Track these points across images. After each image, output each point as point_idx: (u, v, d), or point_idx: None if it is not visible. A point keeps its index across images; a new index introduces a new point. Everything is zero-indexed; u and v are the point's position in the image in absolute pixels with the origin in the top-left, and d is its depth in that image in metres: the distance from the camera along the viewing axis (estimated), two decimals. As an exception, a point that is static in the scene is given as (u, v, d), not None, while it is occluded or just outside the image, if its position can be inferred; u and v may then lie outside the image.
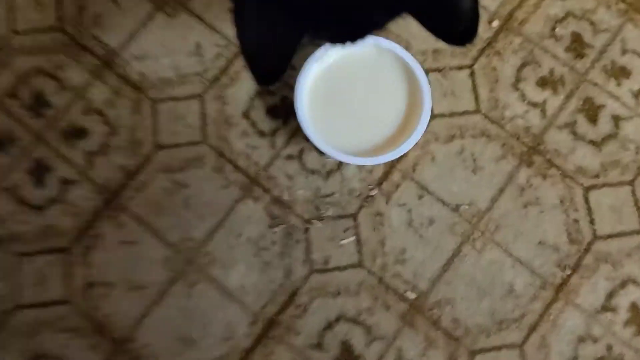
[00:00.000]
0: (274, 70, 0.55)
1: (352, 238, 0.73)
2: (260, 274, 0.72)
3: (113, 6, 0.79)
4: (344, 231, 0.74)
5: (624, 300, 0.73)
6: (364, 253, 0.73)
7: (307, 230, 0.73)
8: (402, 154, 0.70)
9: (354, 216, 0.74)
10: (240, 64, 0.77)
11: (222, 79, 0.77)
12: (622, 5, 0.80)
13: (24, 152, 0.74)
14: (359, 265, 0.73)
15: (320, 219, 0.74)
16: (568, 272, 0.73)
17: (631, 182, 0.75)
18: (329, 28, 0.55)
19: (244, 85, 0.77)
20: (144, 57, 0.78)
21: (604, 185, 0.75)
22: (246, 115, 0.76)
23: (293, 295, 0.72)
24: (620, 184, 0.75)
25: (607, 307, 0.72)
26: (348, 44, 0.57)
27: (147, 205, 0.74)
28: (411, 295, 0.72)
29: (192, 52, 0.78)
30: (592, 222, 0.74)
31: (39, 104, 0.76)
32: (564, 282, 0.72)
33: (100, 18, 0.79)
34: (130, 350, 0.70)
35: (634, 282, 0.73)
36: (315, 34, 0.57)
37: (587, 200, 0.75)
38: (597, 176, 0.75)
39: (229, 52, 0.78)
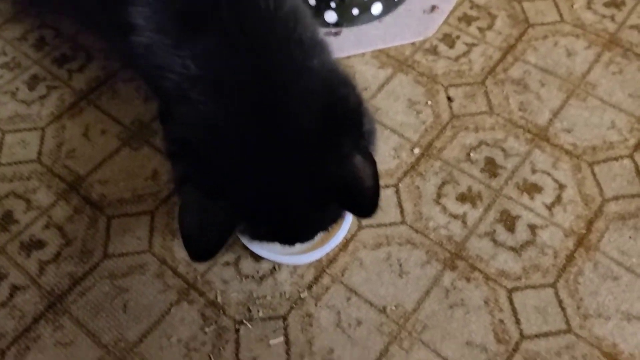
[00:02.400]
0: (208, 251, 0.62)
1: (281, 338, 0.75)
2: (188, 374, 0.72)
3: (86, 142, 0.92)
4: (274, 331, 0.75)
5: (562, 406, 0.70)
6: (292, 353, 0.73)
7: (237, 331, 0.75)
8: (327, 251, 0.76)
9: (283, 317, 0.76)
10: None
11: (172, 199, 0.86)
12: (528, 135, 0.91)
13: (-17, 262, 0.81)
14: (287, 365, 0.73)
15: (251, 320, 0.76)
16: (497, 371, 0.72)
17: (553, 285, 0.77)
18: (268, 227, 0.66)
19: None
20: (107, 182, 0.88)
21: (526, 287, 0.77)
22: (190, 227, 0.83)
23: (219, 396, 0.71)
24: (543, 286, 0.77)
25: (545, 412, 0.70)
26: (297, 245, 0.70)
27: (87, 308, 0.77)
28: (339, 398, 0.71)
29: (149, 176, 0.89)
30: (518, 322, 0.75)
31: (7, 221, 0.85)
32: (494, 382, 0.71)
33: (74, 152, 0.92)
34: None
35: (567, 382, 0.71)
36: (256, 234, 0.68)
37: (511, 302, 0.76)
38: (519, 278, 0.78)
39: (182, 176, 0.88)
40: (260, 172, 0.61)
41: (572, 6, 1.06)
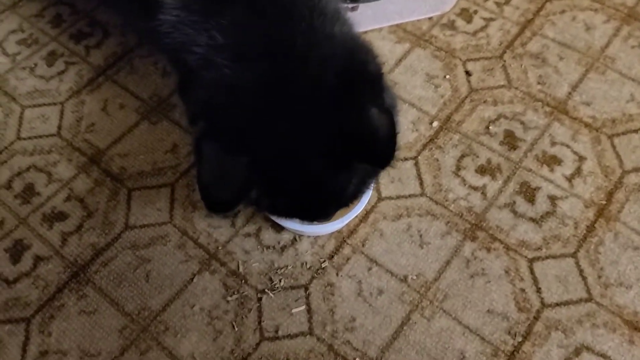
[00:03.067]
0: (227, 204, 0.62)
1: (303, 307, 0.75)
2: (212, 342, 0.73)
3: (106, 116, 0.93)
4: (295, 300, 0.76)
5: (583, 373, 0.70)
6: (314, 321, 0.74)
7: (259, 299, 0.76)
8: (349, 220, 0.76)
9: (305, 287, 0.77)
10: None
11: (192, 171, 0.87)
12: (547, 109, 0.91)
13: (6, 233, 0.82)
14: (309, 333, 0.73)
15: (273, 289, 0.76)
16: (519, 339, 0.72)
17: (574, 254, 0.77)
18: (286, 187, 0.65)
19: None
20: (127, 155, 0.89)
21: (547, 257, 0.78)
22: (211, 199, 0.84)
23: (242, 363, 0.72)
24: (563, 255, 0.77)
25: (566, 379, 0.70)
26: (315, 222, 0.70)
27: (110, 278, 0.78)
28: (362, 365, 0.71)
29: (168, 150, 0.89)
30: (539, 291, 0.75)
31: (29, 193, 0.86)
32: (516, 349, 0.71)
33: (93, 126, 0.92)
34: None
35: (588, 349, 0.71)
36: (274, 206, 0.68)
37: (532, 271, 0.77)
38: (540, 249, 0.78)
39: (201, 150, 0.88)
40: (278, 128, 0.62)
41: (589, -19, 1.06)
